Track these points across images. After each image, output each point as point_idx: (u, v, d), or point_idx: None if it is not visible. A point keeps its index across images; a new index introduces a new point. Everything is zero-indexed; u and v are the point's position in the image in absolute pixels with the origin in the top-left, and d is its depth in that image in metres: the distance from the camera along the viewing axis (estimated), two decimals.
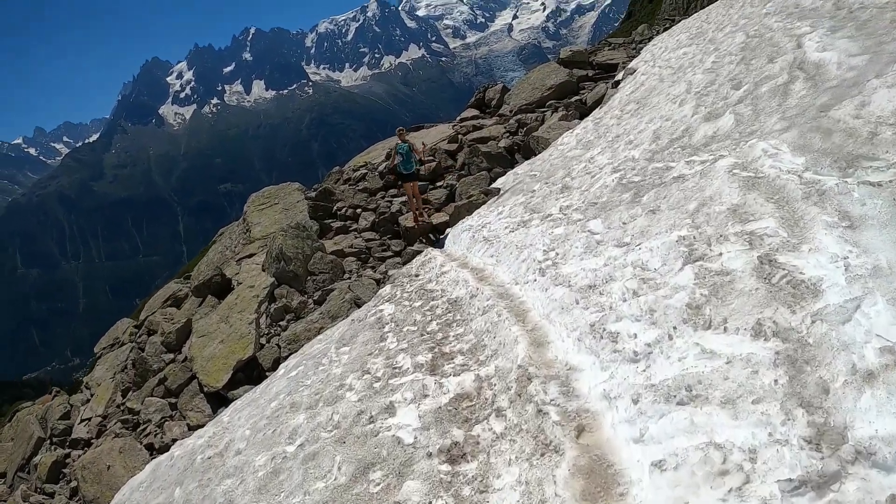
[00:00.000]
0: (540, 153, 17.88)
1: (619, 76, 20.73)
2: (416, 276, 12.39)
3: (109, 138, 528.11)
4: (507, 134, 20.93)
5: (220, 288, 18.01)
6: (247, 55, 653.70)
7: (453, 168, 20.54)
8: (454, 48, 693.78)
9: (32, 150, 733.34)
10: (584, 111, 20.50)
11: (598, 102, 20.22)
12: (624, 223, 7.26)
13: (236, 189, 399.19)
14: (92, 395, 19.44)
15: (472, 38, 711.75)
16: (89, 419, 17.93)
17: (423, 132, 26.59)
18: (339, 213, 20.45)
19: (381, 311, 10.42)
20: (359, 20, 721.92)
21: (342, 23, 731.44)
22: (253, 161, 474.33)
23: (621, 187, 9.09)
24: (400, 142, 16.20)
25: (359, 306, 13.35)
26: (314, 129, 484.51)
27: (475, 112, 25.88)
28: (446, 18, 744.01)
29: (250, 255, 20.01)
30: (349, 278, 15.47)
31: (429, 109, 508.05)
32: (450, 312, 8.71)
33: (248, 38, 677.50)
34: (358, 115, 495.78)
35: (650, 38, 27.38)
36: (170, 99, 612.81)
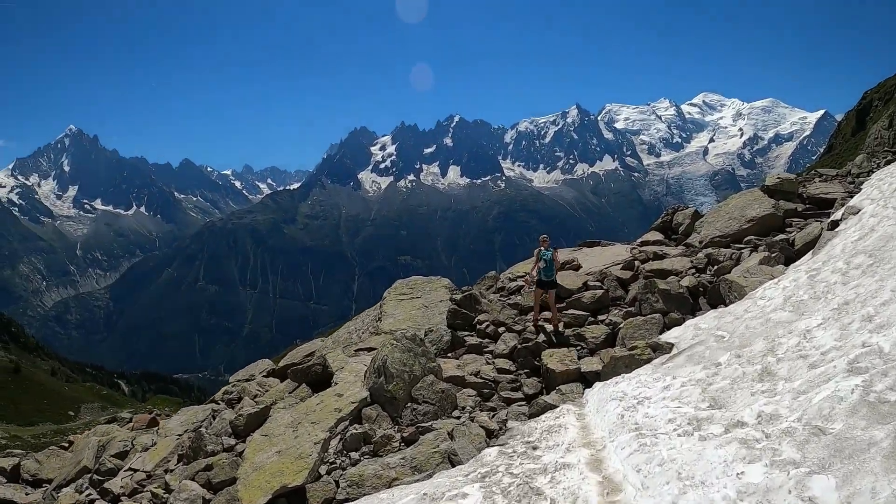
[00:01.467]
0: (731, 304, 14.05)
1: (838, 215, 16.78)
2: (534, 448, 9.14)
3: (308, 190, 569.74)
4: (693, 270, 17.25)
5: (317, 379, 15.57)
6: (448, 140, 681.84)
7: (622, 301, 17.02)
8: (647, 165, 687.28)
9: (238, 183, 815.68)
10: (790, 255, 16.52)
11: (810, 246, 16.23)
12: None
13: (415, 263, 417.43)
14: (154, 445, 17.60)
15: (666, 156, 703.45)
16: (135, 472, 16.03)
17: (598, 249, 23.37)
18: (479, 326, 17.49)
19: (465, 498, 7.33)
20: (558, 124, 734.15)
21: (542, 125, 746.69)
22: (436, 241, 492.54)
23: (867, 409, 5.64)
24: (543, 249, 16.14)
25: (452, 464, 10.23)
26: (500, 221, 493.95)
27: (659, 237, 22.32)
28: (643, 134, 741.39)
29: (369, 350, 17.58)
30: (458, 417, 12.35)
31: (614, 223, 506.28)
32: None
33: (452, 125, 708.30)
34: (544, 216, 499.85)
35: (869, 172, 23.23)
36: (370, 167, 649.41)
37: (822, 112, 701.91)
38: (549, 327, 16.06)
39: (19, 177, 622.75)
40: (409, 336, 14.02)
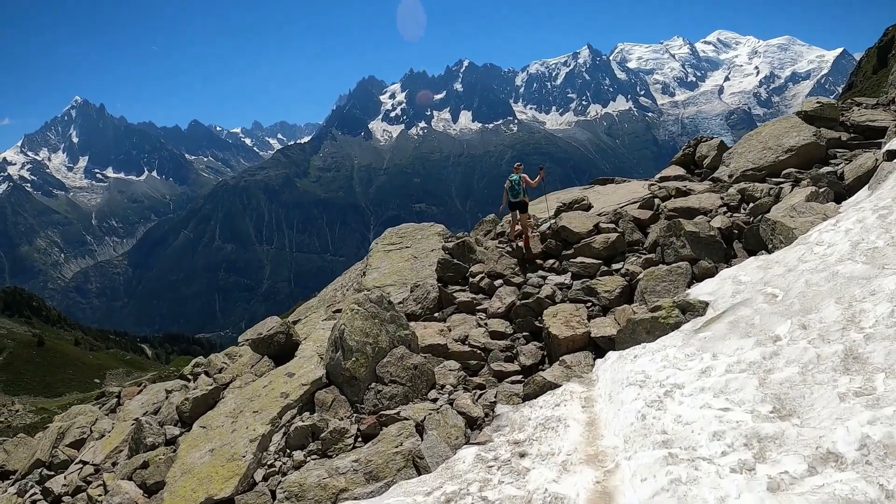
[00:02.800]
0: (777, 250, 11.28)
1: (894, 145, 14.03)
2: (522, 455, 6.74)
3: (319, 142, 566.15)
4: (725, 209, 14.40)
5: (280, 351, 13.23)
6: (458, 86, 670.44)
7: (640, 246, 14.23)
8: (661, 104, 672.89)
9: (248, 141, 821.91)
10: (839, 191, 13.74)
11: (864, 180, 13.46)
12: None
13: (430, 210, 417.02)
14: (111, 431, 15.26)
15: (680, 96, 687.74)
16: (84, 465, 13.75)
17: (611, 187, 20.69)
18: (472, 279, 14.98)
19: None
20: (570, 65, 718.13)
21: (553, 66, 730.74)
22: (450, 187, 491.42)
23: None
24: (514, 175, 16.57)
25: (417, 470, 7.88)
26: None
27: (680, 171, 19.38)
28: (656, 73, 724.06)
29: None
30: (435, 400, 9.86)
31: (629, 164, 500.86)
32: None
33: (461, 70, 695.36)
34: (558, 158, 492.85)
35: None
36: (380, 116, 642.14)
37: (839, 50, 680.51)
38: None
39: (29, 152, 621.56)
40: (374, 298, 11.29)
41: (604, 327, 11.04)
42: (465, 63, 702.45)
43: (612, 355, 9.59)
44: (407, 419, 9.08)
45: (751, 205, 14.16)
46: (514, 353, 11.52)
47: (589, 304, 12.36)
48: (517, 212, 16.15)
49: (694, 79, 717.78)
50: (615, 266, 13.70)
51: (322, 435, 9.25)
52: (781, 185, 14.81)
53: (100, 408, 21.62)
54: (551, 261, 14.62)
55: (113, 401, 20.21)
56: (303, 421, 9.59)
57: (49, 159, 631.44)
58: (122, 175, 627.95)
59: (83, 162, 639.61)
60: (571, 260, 14.07)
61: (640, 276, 12.50)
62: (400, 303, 14.74)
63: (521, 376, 10.74)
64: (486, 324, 12.78)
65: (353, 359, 10.15)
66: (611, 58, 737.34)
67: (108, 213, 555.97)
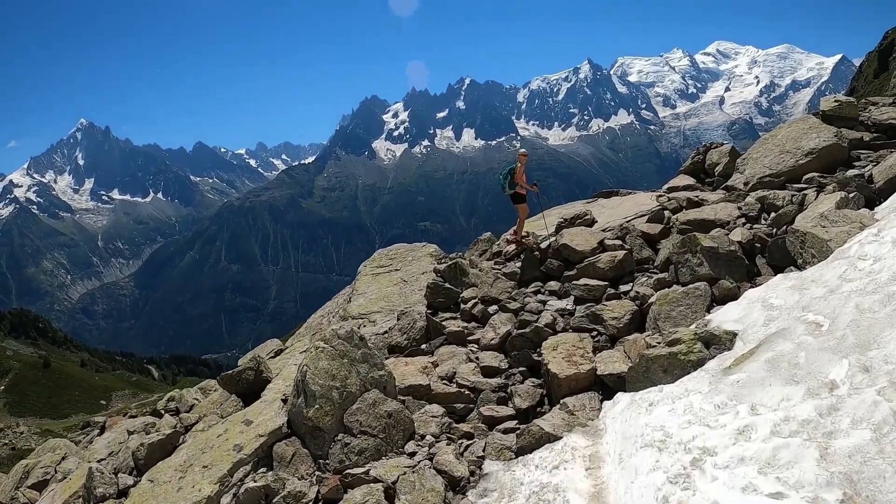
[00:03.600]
0: (809, 266, 9.65)
1: None
2: None
3: (323, 162, 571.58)
4: (743, 220, 12.84)
5: (248, 389, 11.91)
6: (460, 103, 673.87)
7: (650, 264, 12.67)
8: (663, 117, 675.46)
9: (252, 162, 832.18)
10: (869, 195, 12.26)
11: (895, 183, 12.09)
12: None
13: (434, 228, 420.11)
14: (74, 472, 13.77)
15: (682, 108, 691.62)
16: None
17: (616, 200, 19.21)
18: (464, 305, 13.42)
19: None
20: (570, 81, 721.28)
21: (554, 82, 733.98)
22: (454, 204, 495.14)
23: None
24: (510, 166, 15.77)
25: None
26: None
27: (690, 181, 17.77)
28: (657, 86, 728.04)
29: None
30: (412, 454, 8.33)
31: (632, 177, 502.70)
32: None
33: (463, 88, 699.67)
34: (561, 173, 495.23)
35: None
36: (383, 135, 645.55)
37: (839, 56, 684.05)
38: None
39: (35, 175, 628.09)
40: (343, 334, 9.65)
41: (612, 363, 9.47)
42: (467, 81, 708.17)
43: (622, 398, 8.02)
44: (376, 480, 7.56)
45: (772, 215, 12.61)
46: (509, 394, 9.94)
47: (594, 333, 10.78)
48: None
49: (695, 90, 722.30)
50: (623, 288, 12.10)
51: (275, 500, 7.73)
52: (805, 192, 13.22)
53: (81, 439, 20.34)
54: (553, 283, 13.13)
55: (95, 432, 18.95)
56: (255, 481, 8.04)
57: (55, 181, 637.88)
58: (127, 197, 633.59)
59: (89, 184, 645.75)
60: (574, 282, 12.46)
61: (652, 299, 10.92)
62: (385, 332, 13.32)
63: (515, 422, 9.16)
64: (477, 358, 11.20)
65: (317, 406, 8.62)
66: (611, 72, 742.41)
67: (114, 235, 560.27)
